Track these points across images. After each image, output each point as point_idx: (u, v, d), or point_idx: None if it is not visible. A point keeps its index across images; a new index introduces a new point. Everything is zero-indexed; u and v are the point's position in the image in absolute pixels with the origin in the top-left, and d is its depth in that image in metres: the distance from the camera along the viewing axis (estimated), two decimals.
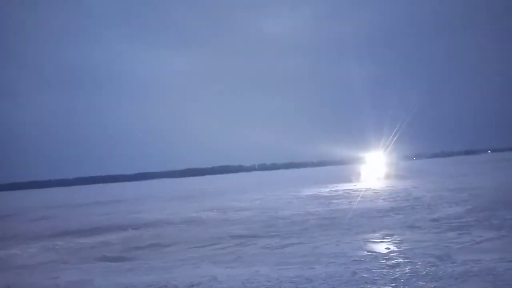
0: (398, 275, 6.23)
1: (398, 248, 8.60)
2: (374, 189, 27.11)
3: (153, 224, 17.94)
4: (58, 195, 67.81)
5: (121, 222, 19.82)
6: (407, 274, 6.27)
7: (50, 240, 14.77)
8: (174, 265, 8.56)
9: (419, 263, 6.93)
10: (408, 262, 7.11)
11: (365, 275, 6.29)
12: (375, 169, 52.03)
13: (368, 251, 8.62)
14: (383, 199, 20.23)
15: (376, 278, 6.11)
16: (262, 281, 6.18)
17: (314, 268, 7.17)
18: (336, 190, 29.98)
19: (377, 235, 10.57)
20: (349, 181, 38.00)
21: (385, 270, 6.64)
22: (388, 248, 8.68)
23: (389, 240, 9.69)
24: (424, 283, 5.74)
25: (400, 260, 7.37)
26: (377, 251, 8.56)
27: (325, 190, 32.01)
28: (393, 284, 5.76)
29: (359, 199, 22.26)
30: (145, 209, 26.74)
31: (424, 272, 6.33)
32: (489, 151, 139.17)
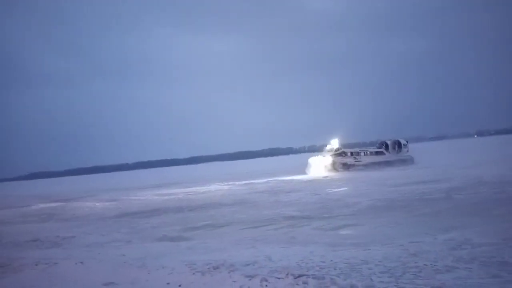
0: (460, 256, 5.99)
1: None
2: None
3: (208, 206, 18.59)
4: (119, 178, 72.09)
5: (178, 203, 20.75)
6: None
7: (115, 221, 15.87)
8: (230, 245, 8.85)
9: None
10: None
11: (424, 257, 6.11)
12: None
13: (426, 234, 8.36)
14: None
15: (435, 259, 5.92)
16: (317, 261, 6.22)
17: (370, 249, 7.08)
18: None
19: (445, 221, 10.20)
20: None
21: (445, 251, 6.42)
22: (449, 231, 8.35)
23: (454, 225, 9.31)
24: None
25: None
26: (435, 234, 8.27)
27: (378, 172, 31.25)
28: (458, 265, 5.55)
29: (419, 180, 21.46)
30: (199, 191, 27.75)
31: None
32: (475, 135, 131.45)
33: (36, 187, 62.01)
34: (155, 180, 48.36)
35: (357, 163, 37.21)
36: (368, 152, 39.37)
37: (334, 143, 38.75)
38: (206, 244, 9.02)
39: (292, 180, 30.54)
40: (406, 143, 41.11)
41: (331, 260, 6.26)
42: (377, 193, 17.22)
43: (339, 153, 37.69)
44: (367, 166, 36.80)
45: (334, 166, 36.45)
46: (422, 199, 14.50)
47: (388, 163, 37.48)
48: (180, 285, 5.51)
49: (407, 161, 39.10)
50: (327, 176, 32.08)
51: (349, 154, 38.01)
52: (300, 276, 5.24)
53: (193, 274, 5.95)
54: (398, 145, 40.68)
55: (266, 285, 5.06)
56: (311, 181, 28.44)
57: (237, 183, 32.08)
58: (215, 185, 31.34)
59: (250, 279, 5.33)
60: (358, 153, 38.57)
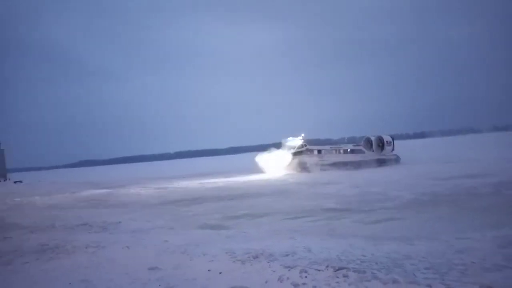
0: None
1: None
2: None
3: (247, 195, 18.81)
4: (162, 167, 74.48)
5: (218, 193, 21.16)
6: None
7: (158, 208, 16.47)
8: (268, 234, 8.91)
9: None
10: None
11: (471, 254, 5.85)
12: None
13: (474, 230, 7.99)
14: None
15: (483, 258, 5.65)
16: (357, 254, 6.13)
17: (413, 244, 6.88)
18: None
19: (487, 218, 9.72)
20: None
21: (494, 249, 6.11)
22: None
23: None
24: None
25: None
26: (483, 230, 7.88)
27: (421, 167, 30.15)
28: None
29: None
30: (239, 181, 28.11)
31: None
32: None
33: (85, 175, 65.41)
34: (196, 170, 49.49)
35: (322, 162, 32.94)
36: (342, 150, 35.20)
37: (297, 139, 34.18)
38: (245, 233, 9.14)
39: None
40: (391, 140, 36.68)
41: (372, 254, 6.15)
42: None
43: (302, 151, 33.40)
44: (335, 165, 32.68)
45: (293, 165, 32.43)
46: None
47: (366, 163, 33.61)
48: (220, 273, 5.64)
49: (391, 161, 35.06)
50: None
51: (315, 152, 34.03)
52: (340, 269, 5.20)
53: (233, 262, 6.07)
54: (381, 142, 36.42)
55: (306, 276, 5.07)
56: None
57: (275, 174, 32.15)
58: (254, 176, 31.56)
59: (289, 270, 5.36)
60: (329, 151, 34.60)
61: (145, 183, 30.81)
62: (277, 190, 20.08)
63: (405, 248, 6.63)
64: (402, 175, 23.95)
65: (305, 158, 32.94)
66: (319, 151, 34.16)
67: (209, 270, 5.78)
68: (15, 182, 46.01)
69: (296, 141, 33.87)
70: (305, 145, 33.66)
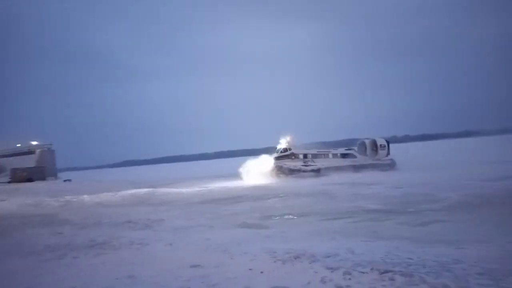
0: None
1: None
2: None
3: (285, 196, 18.72)
4: (200, 167, 75.87)
5: (257, 192, 21.23)
6: None
7: (198, 207, 16.77)
8: (309, 235, 8.80)
9: None
10: None
11: None
12: None
13: None
14: None
15: None
16: (403, 257, 5.89)
17: (463, 248, 6.53)
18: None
19: None
20: None
21: None
22: None
23: None
24: None
25: None
26: None
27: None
28: None
29: None
30: (276, 181, 28.04)
31: None
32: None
33: (128, 174, 67.93)
34: (234, 169, 49.95)
35: (304, 168, 30.49)
36: (331, 155, 32.71)
37: (282, 143, 31.84)
38: (285, 233, 9.09)
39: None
40: (386, 144, 33.94)
41: (419, 257, 5.89)
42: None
43: (285, 155, 31.00)
44: (320, 171, 30.08)
45: (273, 171, 29.91)
46: None
47: (355, 168, 30.99)
48: (262, 272, 5.62)
49: (384, 166, 32.34)
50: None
51: (300, 156, 31.52)
52: (386, 271, 5.01)
53: (274, 262, 6.04)
54: (375, 146, 33.76)
55: (350, 279, 4.94)
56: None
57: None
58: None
59: (332, 271, 5.24)
60: (315, 155, 31.97)
61: (185, 182, 31.49)
62: (315, 191, 19.83)
63: (455, 251, 6.31)
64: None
65: (287, 162, 30.62)
66: (305, 155, 31.71)
67: (250, 269, 5.78)
68: (64, 180, 48.69)
69: (282, 145, 31.76)
70: (289, 149, 31.36)
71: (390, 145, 34.58)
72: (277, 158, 30.74)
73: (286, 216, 12.53)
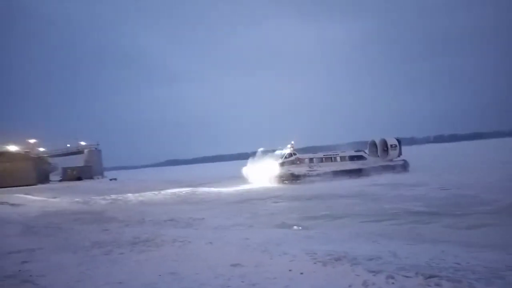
0: None
1: None
2: None
3: (324, 196, 18.48)
4: (238, 167, 76.49)
5: (295, 192, 21.14)
6: None
7: (237, 206, 16.94)
8: (350, 236, 8.64)
9: None
10: None
11: None
12: None
13: None
14: None
15: None
16: (450, 262, 5.64)
17: None
18: None
19: None
20: None
21: None
22: None
23: None
24: None
25: None
26: None
27: None
28: None
29: None
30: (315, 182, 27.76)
31: None
32: None
33: (170, 173, 69.85)
34: None
35: (310, 172, 29.13)
36: (338, 158, 30.86)
37: (287, 147, 30.77)
38: (326, 235, 8.97)
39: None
40: (397, 144, 31.74)
41: (468, 262, 5.60)
42: None
43: (290, 160, 29.75)
44: (326, 175, 28.49)
45: (279, 177, 28.87)
46: None
47: (364, 171, 29.34)
48: (302, 273, 5.58)
49: (396, 167, 30.45)
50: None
51: (306, 160, 30.11)
52: (431, 276, 4.82)
53: (314, 263, 5.97)
54: (386, 146, 31.66)
55: (393, 283, 4.79)
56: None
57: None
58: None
59: (374, 275, 5.11)
60: (321, 159, 30.43)
61: (224, 182, 31.94)
62: (353, 193, 19.43)
63: (507, 258, 5.95)
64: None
65: (292, 168, 29.54)
66: (311, 160, 30.40)
67: (290, 270, 5.76)
68: (110, 179, 50.89)
69: (286, 149, 30.70)
70: (295, 154, 30.43)
71: (410, 145, 33.02)
72: (282, 163, 29.72)
73: (326, 217, 12.36)
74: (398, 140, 32.32)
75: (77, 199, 22.31)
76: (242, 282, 5.45)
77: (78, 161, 58.36)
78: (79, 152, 60.14)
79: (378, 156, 31.90)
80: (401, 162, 31.38)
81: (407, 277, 4.91)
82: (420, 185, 20.08)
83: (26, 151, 52.40)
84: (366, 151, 32.78)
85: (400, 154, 31.91)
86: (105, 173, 62.04)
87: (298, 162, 29.93)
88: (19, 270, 6.88)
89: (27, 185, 41.82)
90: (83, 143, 61.16)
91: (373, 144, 32.93)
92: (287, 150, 30.46)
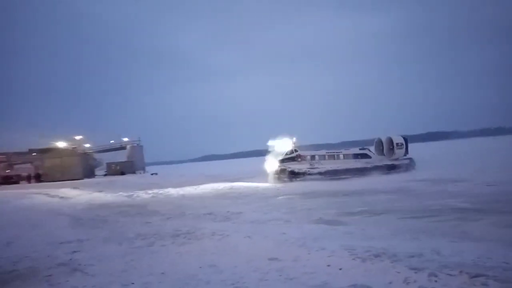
0: None
1: None
2: None
3: (361, 192, 18.13)
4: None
5: (332, 188, 20.90)
6: None
7: (274, 201, 17.00)
8: (389, 233, 8.45)
9: None
10: None
11: None
12: None
13: None
14: None
15: None
16: (498, 261, 5.39)
17: None
18: None
19: None
20: None
21: None
22: None
23: None
24: None
25: None
26: None
27: None
28: None
29: None
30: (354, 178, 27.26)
31: None
32: None
33: (207, 168, 71.08)
34: None
35: (311, 170, 27.79)
36: (342, 156, 29.60)
37: (287, 144, 29.35)
38: (364, 231, 8.82)
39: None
40: (403, 142, 30.27)
41: None
42: None
43: (291, 157, 28.57)
44: (331, 173, 27.26)
45: (277, 174, 27.73)
46: None
47: (368, 170, 28.02)
48: (340, 269, 5.56)
49: (401, 166, 29.17)
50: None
51: (308, 157, 28.83)
52: (477, 275, 4.65)
53: (353, 259, 5.93)
54: (391, 144, 30.24)
55: (436, 281, 4.67)
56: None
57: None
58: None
59: (416, 272, 5.00)
60: (323, 157, 29.22)
61: (260, 177, 32.06)
62: (392, 188, 18.92)
63: None
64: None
65: (292, 165, 28.42)
66: (313, 157, 29.25)
67: (328, 265, 5.75)
68: (151, 174, 52.63)
69: (286, 146, 29.41)
70: (296, 150, 29.15)
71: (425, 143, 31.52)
72: (282, 160, 28.66)
73: (365, 213, 12.15)
74: (405, 139, 31.07)
75: (121, 193, 23.28)
76: (280, 276, 5.51)
77: (121, 157, 60.67)
78: (122, 148, 62.45)
79: (384, 154, 30.84)
80: (406, 162, 30.27)
81: (451, 275, 4.77)
82: (463, 181, 19.24)
83: (74, 147, 55.20)
84: (371, 149, 31.73)
85: (406, 153, 30.79)
86: (147, 168, 64.11)
87: (299, 159, 28.90)
88: (70, 259, 7.33)
89: (74, 179, 44.15)
90: (125, 139, 63.44)
91: (380, 142, 31.75)
92: (288, 147, 29.48)
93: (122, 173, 53.78)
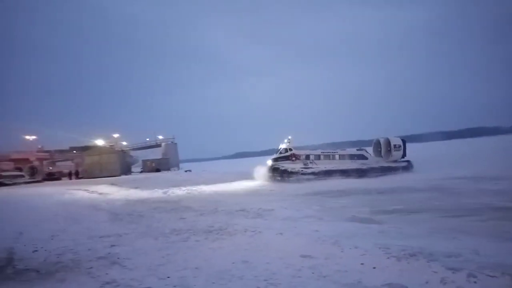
0: None
1: None
2: None
3: (396, 190, 17.72)
4: None
5: (365, 186, 20.54)
6: None
7: (306, 198, 16.94)
8: (426, 232, 8.23)
9: None
10: None
11: None
12: None
13: None
14: None
15: None
16: None
17: None
18: None
19: None
20: None
21: None
22: None
23: None
24: None
25: None
26: None
27: None
28: None
29: None
30: (387, 175, 26.65)
31: None
32: None
33: (240, 165, 71.57)
34: None
35: (304, 170, 27.06)
36: (337, 156, 28.88)
37: (284, 142, 28.83)
38: (399, 229, 8.63)
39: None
40: (401, 144, 29.54)
41: None
42: None
43: (284, 156, 28.05)
44: (325, 174, 26.53)
45: (270, 173, 27.30)
46: None
47: (363, 171, 27.21)
48: (374, 267, 5.48)
49: (397, 169, 28.16)
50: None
51: (303, 157, 28.19)
52: None
53: (388, 258, 5.82)
54: (389, 146, 29.57)
55: (475, 282, 4.52)
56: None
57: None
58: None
59: (453, 272, 4.86)
60: (318, 156, 28.45)
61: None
62: (428, 186, 18.33)
63: None
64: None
65: (285, 164, 27.84)
66: (307, 156, 28.66)
67: (362, 264, 5.68)
68: (185, 171, 53.59)
69: (283, 144, 29.03)
70: (290, 149, 28.58)
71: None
72: (276, 159, 28.34)
73: (400, 212, 11.87)
74: (403, 140, 30.55)
75: (156, 189, 23.91)
76: (313, 273, 5.50)
77: (156, 154, 62.23)
78: (157, 145, 64.04)
79: (382, 156, 30.23)
80: (404, 164, 29.53)
81: (491, 276, 4.60)
82: (505, 179, 18.36)
83: (111, 145, 57.25)
84: (369, 150, 30.98)
85: (404, 155, 30.11)
86: (181, 165, 65.40)
87: (293, 159, 28.37)
88: (109, 253, 7.64)
89: (112, 176, 45.81)
90: (160, 137, 64.99)
91: (378, 143, 31.14)
92: (283, 145, 29.07)
93: (158, 170, 55.10)
